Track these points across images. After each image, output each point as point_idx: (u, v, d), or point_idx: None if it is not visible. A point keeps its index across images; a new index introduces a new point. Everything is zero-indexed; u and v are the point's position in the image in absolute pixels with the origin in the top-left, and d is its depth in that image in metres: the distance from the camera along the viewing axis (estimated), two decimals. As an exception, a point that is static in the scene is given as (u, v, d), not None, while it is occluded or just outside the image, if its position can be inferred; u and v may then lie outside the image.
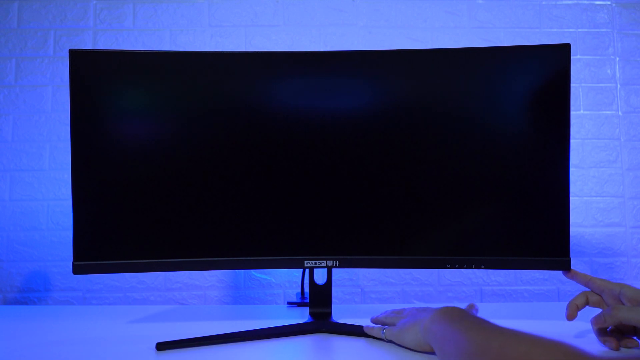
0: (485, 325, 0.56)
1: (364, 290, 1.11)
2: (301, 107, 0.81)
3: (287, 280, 1.10)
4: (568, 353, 0.45)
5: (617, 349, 0.69)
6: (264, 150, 0.81)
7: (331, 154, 0.81)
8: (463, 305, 0.72)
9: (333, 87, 0.81)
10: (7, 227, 1.09)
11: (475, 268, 0.80)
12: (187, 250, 0.80)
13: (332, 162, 0.81)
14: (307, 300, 0.89)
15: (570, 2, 1.15)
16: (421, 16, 1.14)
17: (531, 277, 1.12)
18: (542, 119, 0.80)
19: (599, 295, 0.74)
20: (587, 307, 0.75)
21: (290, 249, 0.81)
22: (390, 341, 0.72)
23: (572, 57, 0.79)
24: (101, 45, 1.11)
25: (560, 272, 0.79)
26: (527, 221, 0.80)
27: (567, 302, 0.75)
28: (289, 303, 1.02)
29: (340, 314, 0.87)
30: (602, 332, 0.71)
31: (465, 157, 0.80)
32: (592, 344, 0.72)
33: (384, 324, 0.77)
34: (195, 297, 1.10)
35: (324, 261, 0.81)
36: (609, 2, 1.16)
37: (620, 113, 1.14)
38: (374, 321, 0.80)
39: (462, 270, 1.04)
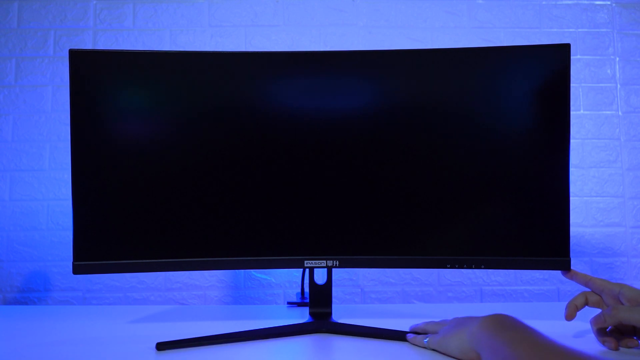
0: (533, 338, 0.54)
1: (364, 290, 1.11)
2: (301, 107, 0.81)
3: (287, 280, 1.10)
4: None
5: (617, 349, 0.69)
6: (264, 150, 0.81)
7: (331, 153, 0.81)
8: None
9: (333, 87, 0.81)
10: (7, 227, 1.09)
11: (475, 268, 0.80)
12: (187, 250, 0.80)
13: (332, 162, 0.81)
14: (307, 300, 0.89)
15: (570, 2, 1.15)
16: (421, 16, 1.14)
17: (531, 277, 1.12)
18: (542, 118, 0.80)
19: (599, 295, 0.74)
20: (586, 307, 0.75)
21: (290, 249, 0.81)
22: (433, 350, 0.70)
23: (572, 57, 0.79)
24: (101, 45, 1.11)
25: (560, 272, 0.79)
26: (527, 221, 0.80)
27: (567, 302, 0.75)
28: (289, 303, 1.02)
29: (340, 314, 0.87)
30: (602, 332, 0.71)
31: (466, 157, 0.80)
32: (591, 344, 0.72)
33: (425, 332, 0.75)
34: (195, 297, 1.10)
35: (324, 261, 0.81)
36: (609, 2, 1.16)
37: (620, 113, 1.14)
38: (414, 330, 0.77)
39: (462, 270, 1.04)
